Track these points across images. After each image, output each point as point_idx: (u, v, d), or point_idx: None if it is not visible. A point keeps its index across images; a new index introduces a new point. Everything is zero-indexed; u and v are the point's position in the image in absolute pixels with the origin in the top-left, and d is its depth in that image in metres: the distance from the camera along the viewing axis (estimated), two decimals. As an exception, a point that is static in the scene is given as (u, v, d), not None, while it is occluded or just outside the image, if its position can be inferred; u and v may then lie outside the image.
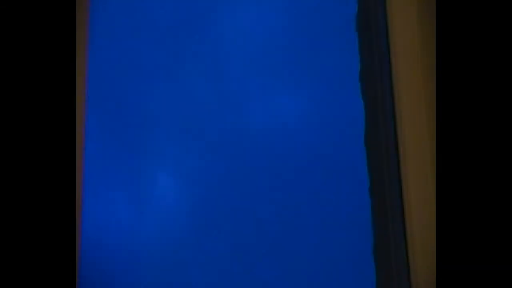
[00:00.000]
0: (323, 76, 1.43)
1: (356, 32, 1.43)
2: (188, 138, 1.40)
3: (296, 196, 1.36)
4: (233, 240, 1.34)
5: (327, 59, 1.44)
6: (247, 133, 1.40)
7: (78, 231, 1.26)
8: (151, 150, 1.39)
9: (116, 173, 1.37)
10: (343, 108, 1.41)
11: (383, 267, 1.29)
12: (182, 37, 1.45)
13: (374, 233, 1.31)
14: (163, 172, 1.37)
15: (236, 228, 1.35)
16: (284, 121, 1.40)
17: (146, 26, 1.46)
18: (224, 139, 1.40)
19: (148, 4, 1.47)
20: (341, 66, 1.43)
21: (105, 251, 1.33)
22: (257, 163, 1.38)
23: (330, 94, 1.42)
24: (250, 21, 1.46)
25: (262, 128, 1.40)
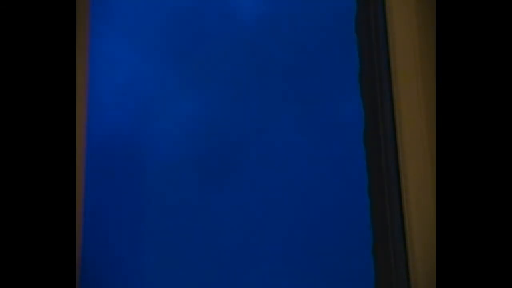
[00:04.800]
0: (322, 76, 1.43)
1: (356, 33, 1.44)
2: (188, 140, 1.40)
3: (295, 196, 1.36)
4: (231, 241, 1.34)
5: (327, 59, 1.44)
6: (248, 130, 1.40)
7: (78, 231, 1.26)
8: (151, 155, 1.39)
9: (117, 173, 1.37)
10: (342, 108, 1.41)
11: (383, 267, 1.29)
12: (183, 35, 1.45)
13: (373, 233, 1.31)
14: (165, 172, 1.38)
15: (235, 227, 1.35)
16: (283, 119, 1.40)
17: (146, 26, 1.46)
18: (221, 136, 1.40)
19: (149, 3, 1.47)
20: (341, 67, 1.43)
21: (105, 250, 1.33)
22: (256, 164, 1.38)
23: (329, 94, 1.42)
24: (249, 20, 1.47)
25: (261, 127, 1.40)
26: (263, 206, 1.36)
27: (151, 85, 1.43)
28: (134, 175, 1.37)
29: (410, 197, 1.28)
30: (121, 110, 1.42)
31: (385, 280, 1.28)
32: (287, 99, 1.42)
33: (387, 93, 1.37)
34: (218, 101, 1.42)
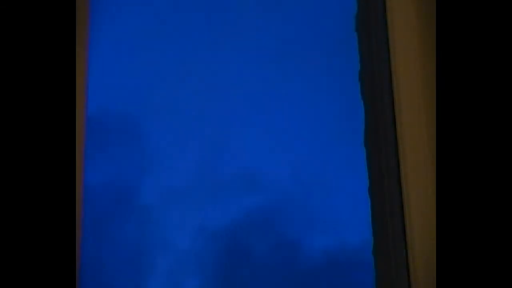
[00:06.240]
0: (322, 76, 1.43)
1: (356, 32, 1.43)
2: (188, 138, 1.40)
3: (295, 196, 1.36)
4: (231, 237, 1.34)
5: (327, 59, 1.44)
6: (249, 129, 1.40)
7: (78, 231, 1.26)
8: (152, 152, 1.39)
9: (118, 175, 1.37)
10: (342, 107, 1.41)
11: (383, 267, 1.29)
12: (183, 36, 1.45)
13: (373, 233, 1.31)
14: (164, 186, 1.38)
15: (236, 225, 1.35)
16: (284, 120, 1.40)
17: (147, 26, 1.46)
18: (221, 137, 1.40)
19: (149, 3, 1.47)
20: (341, 66, 1.43)
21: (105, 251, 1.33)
22: (255, 165, 1.38)
23: (329, 94, 1.42)
24: (251, 20, 1.47)
25: (261, 126, 1.40)
26: (263, 210, 1.36)
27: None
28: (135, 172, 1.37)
29: (410, 197, 1.28)
30: (121, 110, 1.42)
31: (385, 281, 1.28)
32: (286, 97, 1.42)
33: (388, 93, 1.37)
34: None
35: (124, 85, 1.42)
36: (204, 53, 1.45)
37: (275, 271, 1.32)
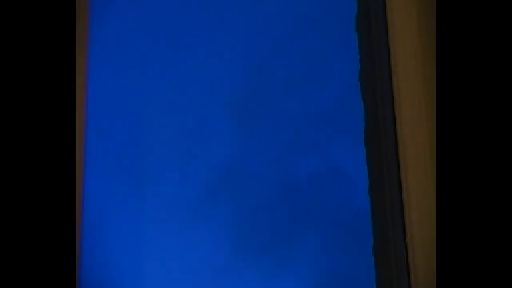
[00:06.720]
0: (323, 75, 1.43)
1: (356, 32, 1.43)
2: (186, 137, 1.40)
3: (296, 196, 1.36)
4: (232, 238, 1.34)
5: (327, 59, 1.44)
6: (248, 134, 1.40)
7: (78, 232, 1.26)
8: (150, 151, 1.39)
9: (116, 174, 1.37)
10: (342, 108, 1.41)
11: (383, 267, 1.29)
12: (182, 37, 1.46)
13: (374, 233, 1.31)
14: (164, 179, 1.37)
15: (235, 228, 1.35)
16: (284, 121, 1.40)
17: (146, 26, 1.46)
18: (223, 137, 1.40)
19: (148, 4, 1.47)
20: (341, 66, 1.43)
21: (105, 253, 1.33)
22: (256, 165, 1.38)
23: (330, 94, 1.42)
24: (251, 21, 1.47)
25: (263, 126, 1.40)
26: (264, 208, 1.36)
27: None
28: (134, 175, 1.38)
29: (410, 197, 1.28)
30: (120, 111, 1.42)
31: (386, 281, 1.28)
32: (286, 98, 1.42)
33: (388, 93, 1.37)
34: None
35: (123, 85, 1.42)
36: (204, 52, 1.45)
37: None
